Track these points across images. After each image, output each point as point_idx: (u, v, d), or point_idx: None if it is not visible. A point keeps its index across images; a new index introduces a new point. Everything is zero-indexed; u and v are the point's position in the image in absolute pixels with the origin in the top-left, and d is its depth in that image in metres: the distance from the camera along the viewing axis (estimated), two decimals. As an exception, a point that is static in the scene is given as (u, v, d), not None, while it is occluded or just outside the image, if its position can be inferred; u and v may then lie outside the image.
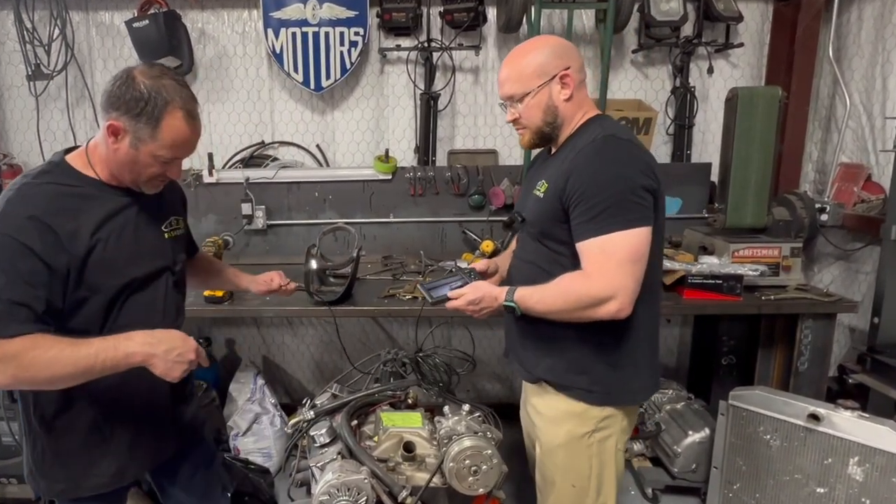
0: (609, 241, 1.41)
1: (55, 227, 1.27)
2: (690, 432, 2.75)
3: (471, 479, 1.33)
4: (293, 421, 1.91)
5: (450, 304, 1.63)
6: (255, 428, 3.02)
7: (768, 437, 2.29)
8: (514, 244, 2.01)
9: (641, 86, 3.39)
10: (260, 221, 3.20)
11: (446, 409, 1.57)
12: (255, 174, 3.19)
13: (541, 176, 1.62)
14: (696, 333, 3.56)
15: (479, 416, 1.51)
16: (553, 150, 1.66)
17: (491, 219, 3.26)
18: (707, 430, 2.72)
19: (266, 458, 2.97)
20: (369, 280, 2.87)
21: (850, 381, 2.62)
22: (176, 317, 1.58)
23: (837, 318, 2.58)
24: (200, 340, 1.68)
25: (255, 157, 3.37)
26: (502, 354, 1.88)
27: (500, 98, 1.63)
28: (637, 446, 3.03)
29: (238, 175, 3.17)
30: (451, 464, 1.33)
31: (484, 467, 1.33)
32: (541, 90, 1.53)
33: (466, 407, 1.53)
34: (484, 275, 1.85)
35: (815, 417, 2.12)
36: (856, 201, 3.14)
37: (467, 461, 1.33)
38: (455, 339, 3.63)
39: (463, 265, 2.08)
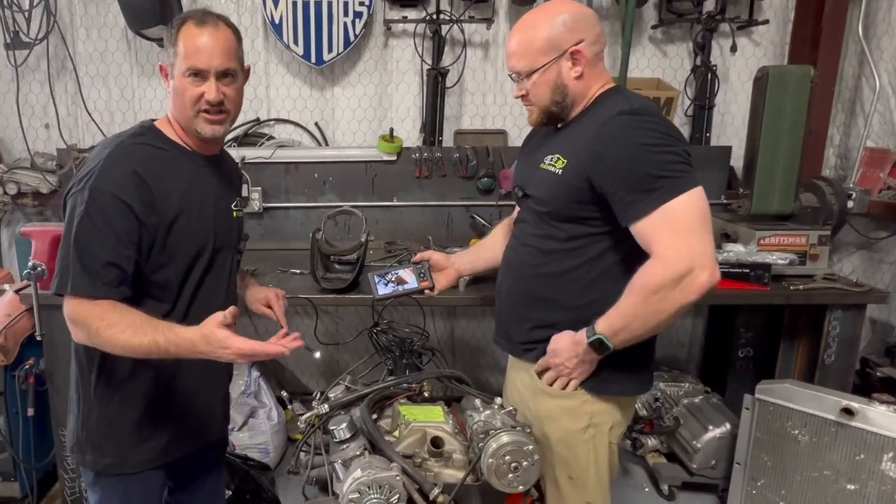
0: (670, 210, 1.35)
1: (152, 186, 1.35)
2: (710, 427, 2.77)
3: (510, 476, 1.32)
4: (306, 416, 1.89)
5: (546, 377, 1.60)
6: (251, 423, 2.99)
7: (796, 432, 2.31)
8: (497, 234, 2.00)
9: (659, 64, 3.37)
10: (256, 204, 3.15)
11: (477, 402, 1.55)
12: (252, 153, 3.13)
13: (551, 149, 1.57)
14: (710, 324, 3.58)
15: (513, 411, 1.49)
16: (560, 125, 1.61)
17: (500, 203, 3.23)
18: (728, 425, 2.74)
19: (263, 454, 2.95)
20: (373, 266, 2.83)
21: (878, 374, 2.66)
22: (236, 300, 1.64)
23: (860, 310, 2.59)
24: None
25: (249, 136, 3.31)
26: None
27: (508, 70, 1.59)
28: (651, 441, 3.05)
29: (233, 154, 3.10)
30: (489, 460, 1.32)
31: (525, 463, 1.32)
32: (549, 68, 1.48)
33: (499, 400, 1.52)
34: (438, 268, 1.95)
35: (848, 412, 2.14)
36: (882, 188, 3.16)
37: (507, 457, 1.31)
38: (458, 328, 3.63)
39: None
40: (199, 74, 1.39)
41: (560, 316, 1.57)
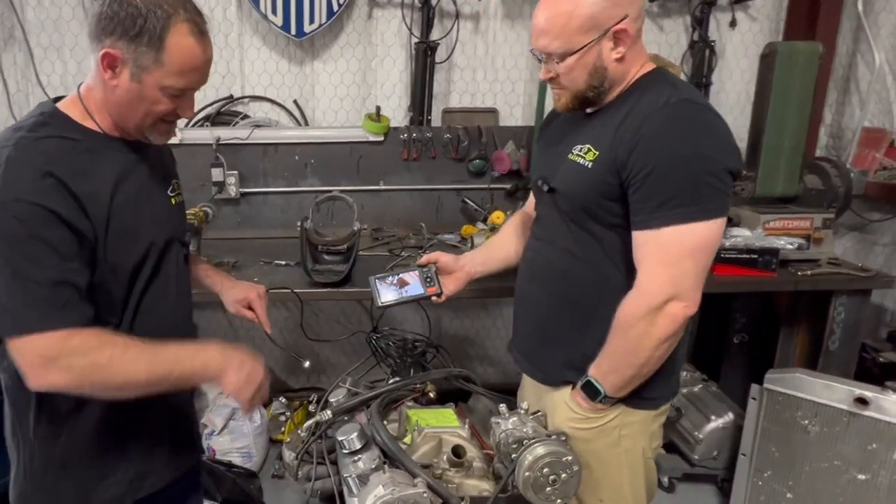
0: (673, 234, 1.28)
1: (73, 188, 1.11)
2: (713, 417, 2.77)
3: (549, 489, 1.26)
4: (307, 423, 1.80)
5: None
6: (231, 425, 2.88)
7: (806, 422, 2.31)
8: (509, 231, 1.88)
9: (655, 39, 3.31)
10: (232, 189, 3.01)
11: (502, 407, 1.48)
12: (227, 134, 2.98)
13: (579, 137, 1.45)
14: (703, 308, 3.53)
15: (542, 416, 1.43)
16: (590, 110, 1.48)
17: (493, 186, 3.16)
18: (730, 415, 2.75)
19: (246, 459, 2.85)
20: (362, 256, 2.73)
21: (881, 359, 2.69)
22: (189, 298, 1.48)
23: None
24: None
25: (221, 114, 3.14)
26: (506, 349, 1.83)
27: (533, 47, 1.42)
28: (648, 431, 3.04)
29: (206, 135, 2.95)
30: (526, 473, 1.25)
31: (564, 475, 1.26)
32: (588, 49, 1.33)
33: (525, 405, 1.45)
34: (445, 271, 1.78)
35: (862, 401, 2.15)
36: (877, 168, 3.18)
37: (546, 469, 1.25)
38: (445, 318, 3.56)
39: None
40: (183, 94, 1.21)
41: (596, 335, 1.44)
